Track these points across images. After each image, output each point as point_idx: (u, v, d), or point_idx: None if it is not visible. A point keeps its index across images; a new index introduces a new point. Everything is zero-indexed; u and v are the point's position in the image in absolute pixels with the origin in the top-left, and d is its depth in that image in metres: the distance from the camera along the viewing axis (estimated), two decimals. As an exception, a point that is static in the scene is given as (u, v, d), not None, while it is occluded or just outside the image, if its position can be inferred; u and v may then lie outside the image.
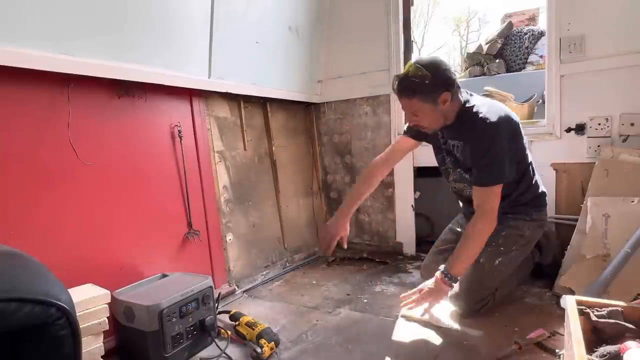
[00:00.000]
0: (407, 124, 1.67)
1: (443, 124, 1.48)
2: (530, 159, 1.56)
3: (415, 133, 1.65)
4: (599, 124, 1.74)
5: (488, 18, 12.96)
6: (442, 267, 1.42)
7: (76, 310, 0.77)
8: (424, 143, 1.72)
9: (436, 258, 1.80)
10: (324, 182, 2.62)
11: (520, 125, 1.47)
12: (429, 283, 1.43)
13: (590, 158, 1.77)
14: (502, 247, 1.51)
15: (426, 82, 1.32)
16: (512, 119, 1.44)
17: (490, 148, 1.36)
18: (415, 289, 1.45)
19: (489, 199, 1.39)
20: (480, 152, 1.39)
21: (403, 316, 1.53)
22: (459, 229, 1.81)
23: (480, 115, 1.39)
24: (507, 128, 1.40)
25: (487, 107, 1.43)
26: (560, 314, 1.32)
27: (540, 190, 1.60)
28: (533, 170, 1.59)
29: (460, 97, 1.45)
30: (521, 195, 1.56)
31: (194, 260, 1.72)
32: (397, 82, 1.39)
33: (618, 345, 0.86)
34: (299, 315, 1.61)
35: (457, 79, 1.41)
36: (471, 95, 1.50)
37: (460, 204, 1.78)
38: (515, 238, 1.53)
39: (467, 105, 1.45)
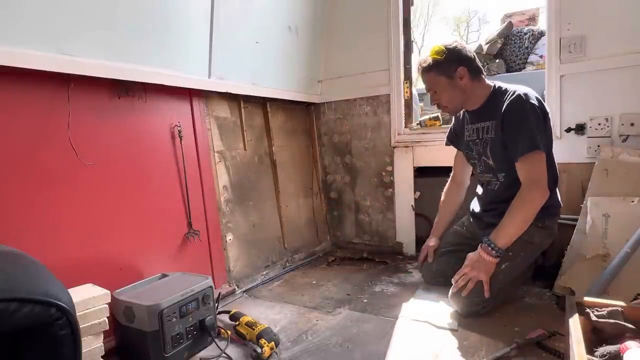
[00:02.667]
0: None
1: (464, 103, 1.57)
2: (554, 160, 1.57)
3: (451, 139, 1.80)
4: (599, 124, 1.74)
5: (488, 18, 13.01)
6: (485, 238, 1.44)
7: (76, 310, 0.78)
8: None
9: (437, 259, 1.80)
10: (324, 182, 2.62)
11: (549, 115, 1.50)
12: (473, 256, 1.46)
13: (590, 158, 1.77)
14: (511, 252, 1.49)
15: (442, 58, 1.48)
16: (544, 103, 1.48)
17: (526, 117, 1.39)
18: (463, 269, 1.47)
19: (533, 167, 1.40)
20: (514, 121, 1.42)
21: (403, 316, 1.53)
22: (464, 231, 1.81)
23: (512, 90, 1.47)
24: (540, 106, 1.43)
25: (520, 87, 1.49)
26: (560, 314, 1.32)
27: (557, 202, 1.60)
28: (555, 179, 1.59)
29: (490, 82, 1.55)
30: None
31: (194, 260, 1.72)
32: (419, 63, 1.57)
33: (618, 345, 0.86)
34: (299, 315, 1.61)
35: (478, 62, 1.53)
36: (502, 83, 1.57)
37: (477, 202, 1.78)
38: (524, 244, 1.52)
39: (496, 87, 1.53)
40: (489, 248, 1.41)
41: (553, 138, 1.82)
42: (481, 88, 1.54)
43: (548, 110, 1.49)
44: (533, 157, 1.39)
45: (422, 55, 1.61)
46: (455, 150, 1.83)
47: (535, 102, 1.42)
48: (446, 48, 1.48)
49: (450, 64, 1.48)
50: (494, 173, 1.59)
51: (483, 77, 1.55)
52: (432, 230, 1.89)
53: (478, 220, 1.74)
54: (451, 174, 1.88)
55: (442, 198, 1.89)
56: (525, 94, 1.43)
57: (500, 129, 1.47)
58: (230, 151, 1.96)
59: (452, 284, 1.59)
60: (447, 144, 1.85)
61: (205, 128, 1.82)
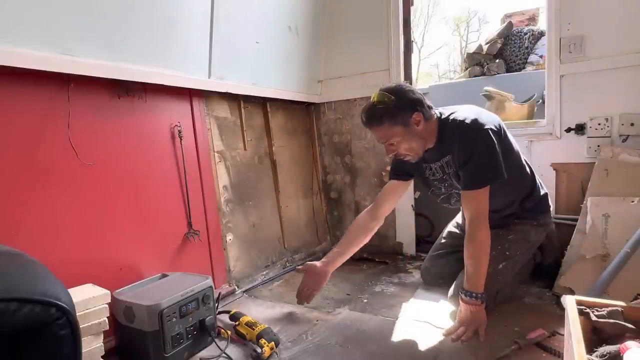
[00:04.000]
0: (390, 166, 1.65)
1: (424, 148, 1.43)
2: (524, 160, 1.53)
3: (399, 171, 1.62)
4: (599, 124, 1.75)
5: (488, 18, 12.97)
6: (461, 291, 1.38)
7: (76, 310, 0.77)
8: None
9: (436, 262, 1.80)
10: (324, 182, 2.62)
11: (503, 125, 1.43)
12: (463, 314, 1.38)
13: (590, 158, 1.77)
14: (508, 251, 1.50)
15: (392, 106, 1.31)
16: (493, 117, 1.42)
17: (477, 146, 1.33)
18: (456, 323, 1.38)
19: (481, 204, 1.35)
20: (467, 153, 1.34)
21: (403, 316, 1.53)
22: (459, 232, 1.81)
23: (459, 119, 1.37)
24: (490, 126, 1.35)
25: (463, 110, 1.41)
26: (560, 314, 1.32)
27: (542, 193, 1.59)
28: (532, 172, 1.56)
29: (435, 113, 1.42)
30: (524, 200, 1.54)
31: (194, 260, 1.72)
32: (364, 114, 1.37)
33: (618, 345, 0.86)
34: (299, 315, 1.61)
35: (424, 99, 1.38)
36: (443, 108, 1.47)
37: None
38: (521, 243, 1.53)
39: (442, 118, 1.42)
40: (472, 299, 1.35)
41: (552, 138, 1.85)
42: (432, 125, 1.41)
43: (498, 120, 1.41)
44: (482, 193, 1.35)
45: (372, 101, 1.36)
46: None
47: (487, 125, 1.34)
48: (394, 94, 1.32)
49: (404, 111, 1.32)
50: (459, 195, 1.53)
51: (432, 112, 1.40)
52: (329, 259, 1.64)
53: None
54: (372, 205, 1.68)
55: (351, 229, 1.69)
56: (472, 120, 1.34)
57: (457, 162, 1.40)
58: (230, 151, 1.96)
59: (451, 285, 1.59)
60: (393, 178, 1.63)
61: (205, 128, 1.82)
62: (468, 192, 1.38)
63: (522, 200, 1.54)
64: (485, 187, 1.35)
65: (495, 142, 1.33)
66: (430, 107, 1.39)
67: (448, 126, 1.40)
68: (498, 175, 1.34)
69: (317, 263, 1.63)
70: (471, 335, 1.33)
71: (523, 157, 1.53)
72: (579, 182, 1.81)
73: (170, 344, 1.25)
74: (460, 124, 1.36)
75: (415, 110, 1.34)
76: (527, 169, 1.54)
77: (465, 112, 1.40)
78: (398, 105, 1.32)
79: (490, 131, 1.34)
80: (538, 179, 1.59)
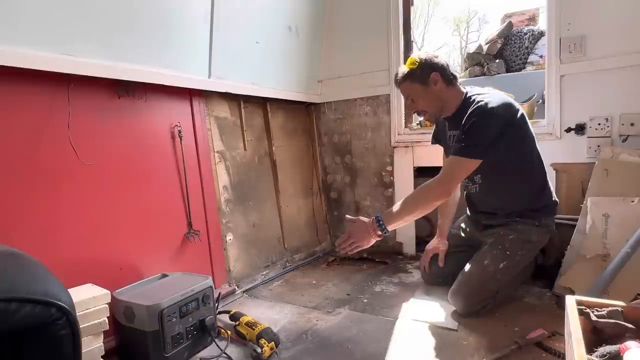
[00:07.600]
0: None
1: (441, 108, 1.56)
2: (540, 160, 1.55)
3: (436, 136, 1.80)
4: (599, 124, 1.74)
5: (488, 18, 12.96)
6: (379, 214, 1.43)
7: (76, 310, 0.77)
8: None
9: (437, 261, 1.80)
10: (324, 182, 2.62)
11: (527, 119, 1.48)
12: (364, 225, 1.42)
13: (590, 158, 1.76)
14: (508, 251, 1.50)
15: (415, 67, 1.50)
16: (513, 106, 1.45)
17: (477, 122, 1.38)
18: (348, 232, 1.45)
19: (456, 168, 1.41)
20: (465, 125, 1.41)
21: (403, 316, 1.53)
22: (461, 233, 1.81)
23: (478, 99, 1.44)
24: (505, 112, 1.40)
25: (489, 95, 1.46)
26: (560, 314, 1.32)
27: (553, 199, 1.60)
28: (544, 177, 1.57)
29: (463, 89, 1.54)
30: (531, 202, 1.55)
31: (194, 260, 1.72)
32: (395, 73, 1.60)
33: (618, 345, 0.86)
34: (299, 315, 1.61)
35: (451, 70, 1.52)
36: (472, 88, 1.56)
37: (467, 208, 1.78)
38: (522, 243, 1.53)
39: (468, 95, 1.52)
40: (378, 226, 1.39)
41: (552, 138, 1.84)
42: (455, 94, 1.54)
43: (520, 112, 1.46)
44: (463, 161, 1.39)
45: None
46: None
47: (499, 110, 1.39)
48: (419, 58, 1.50)
49: (423, 71, 1.49)
50: (469, 177, 1.57)
51: (457, 84, 1.55)
52: (439, 232, 1.84)
53: (475, 222, 1.74)
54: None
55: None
56: (488, 103, 1.39)
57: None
58: (230, 151, 1.96)
59: (451, 285, 1.59)
60: (433, 143, 1.84)
61: (205, 128, 1.82)
62: (453, 158, 1.44)
63: (528, 202, 1.55)
64: (465, 158, 1.39)
65: (501, 130, 1.38)
66: (453, 77, 1.53)
67: (468, 105, 1.47)
68: (479, 153, 1.38)
69: (442, 245, 1.80)
70: (349, 250, 1.41)
71: (540, 156, 1.55)
72: (579, 182, 1.80)
73: (170, 344, 1.25)
74: (477, 103, 1.42)
75: (434, 70, 1.49)
76: (538, 171, 1.55)
77: (490, 97, 1.44)
78: (419, 67, 1.50)
79: (496, 116, 1.38)
80: (550, 186, 1.60)
